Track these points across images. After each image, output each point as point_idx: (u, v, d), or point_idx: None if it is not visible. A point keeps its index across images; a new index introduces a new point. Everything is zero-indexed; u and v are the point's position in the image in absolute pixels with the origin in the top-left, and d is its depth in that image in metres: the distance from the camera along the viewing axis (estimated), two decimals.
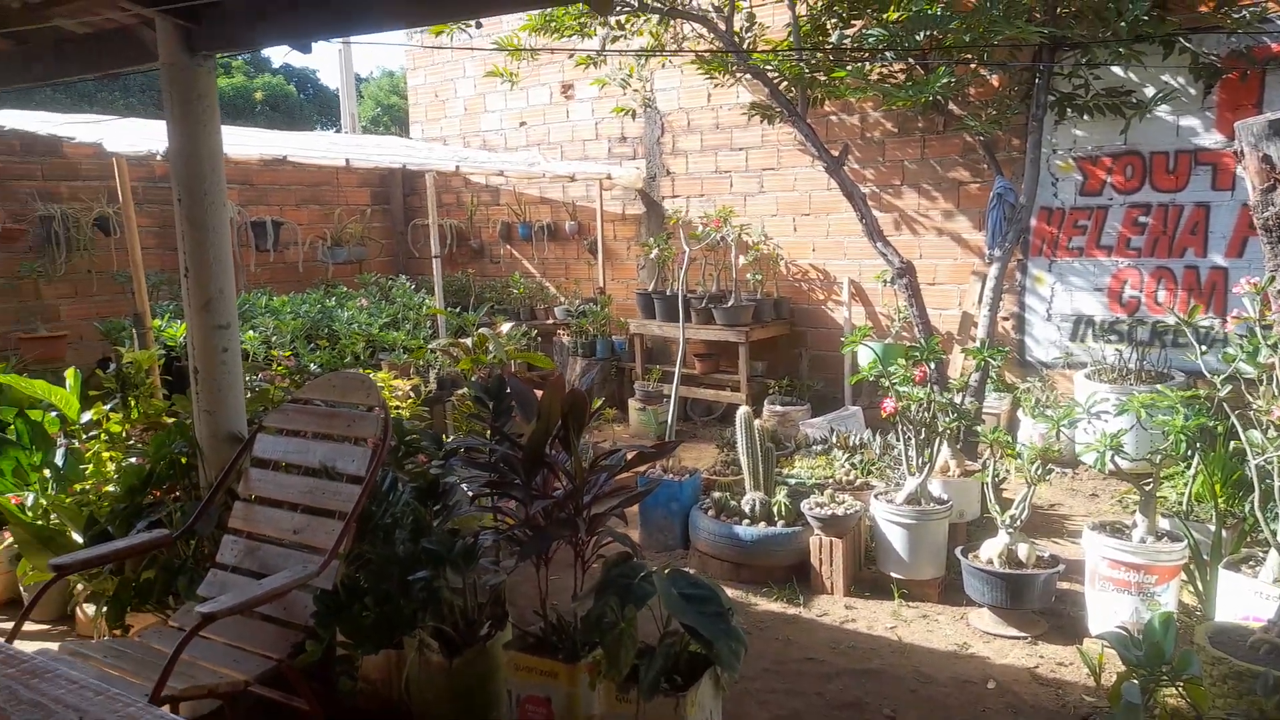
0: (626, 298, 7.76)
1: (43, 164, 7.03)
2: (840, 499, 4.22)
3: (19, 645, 3.47)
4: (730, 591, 4.11)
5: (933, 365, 4.27)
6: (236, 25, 3.07)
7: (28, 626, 3.65)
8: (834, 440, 5.24)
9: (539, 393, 2.74)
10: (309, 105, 21.94)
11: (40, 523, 3.41)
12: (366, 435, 2.68)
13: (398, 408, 4.57)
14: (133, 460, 3.52)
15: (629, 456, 2.79)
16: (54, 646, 2.46)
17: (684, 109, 7.42)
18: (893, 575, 4.04)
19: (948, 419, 4.11)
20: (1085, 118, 5.38)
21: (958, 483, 4.36)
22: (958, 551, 3.85)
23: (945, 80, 4.77)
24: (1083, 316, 5.82)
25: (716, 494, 4.43)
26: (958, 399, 4.24)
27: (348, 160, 5.55)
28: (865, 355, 5.92)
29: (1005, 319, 6.04)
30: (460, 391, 4.78)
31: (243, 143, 5.55)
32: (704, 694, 2.61)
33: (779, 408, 6.30)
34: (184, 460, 3.28)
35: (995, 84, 5.75)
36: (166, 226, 7.70)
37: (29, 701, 1.31)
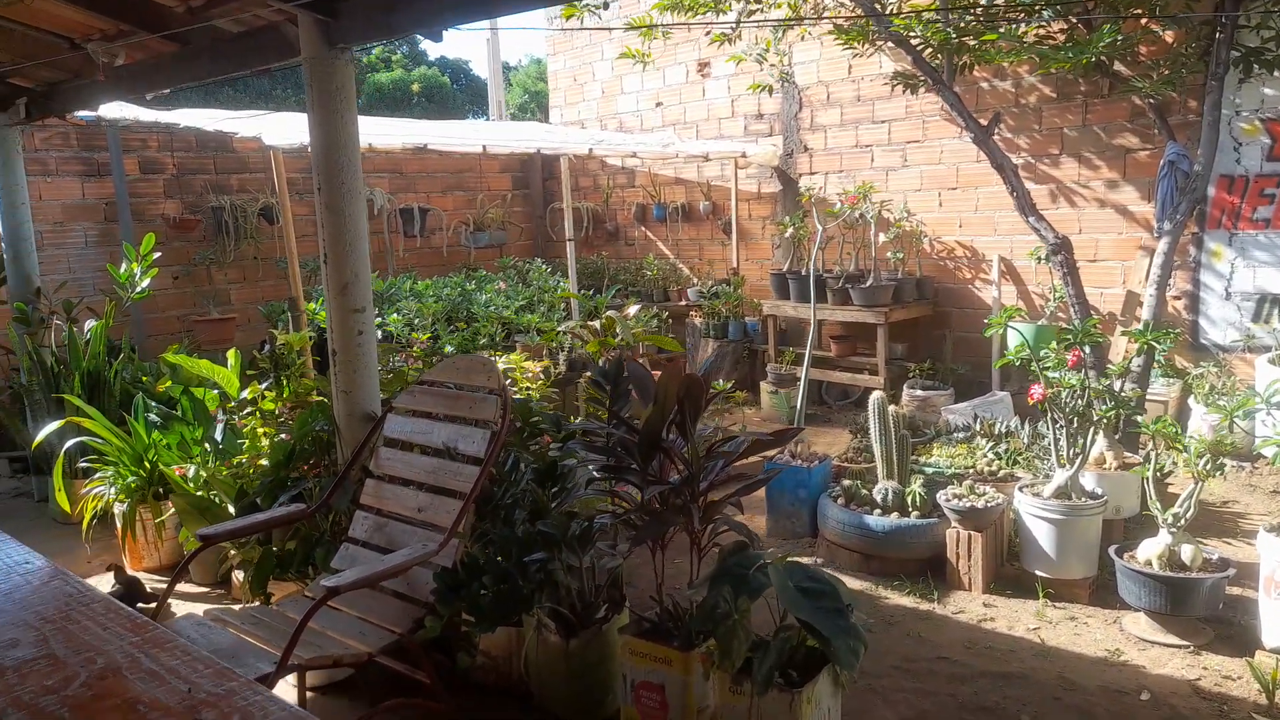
0: (760, 279, 7.61)
1: (215, 158, 7.56)
2: (980, 490, 3.99)
3: (180, 606, 3.77)
4: (858, 584, 3.97)
5: (1088, 349, 3.96)
6: (370, 17, 3.17)
7: (189, 588, 3.96)
8: (977, 427, 4.96)
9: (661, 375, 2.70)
10: (461, 95, 22.75)
11: (200, 493, 3.68)
12: (487, 417, 2.72)
13: (528, 389, 4.65)
14: (282, 437, 3.73)
15: (746, 444, 2.71)
16: (201, 610, 2.64)
17: (823, 82, 7.18)
18: (1037, 573, 3.79)
19: (1104, 407, 3.80)
20: (1275, 74, 4.83)
21: (1114, 476, 4.03)
22: (1111, 551, 3.56)
23: (1111, 38, 4.39)
24: (1268, 295, 5.26)
25: (846, 482, 4.28)
26: (1116, 385, 3.91)
27: (484, 146, 5.68)
28: (1015, 338, 5.58)
29: (1176, 298, 5.54)
30: (588, 374, 4.81)
31: (388, 133, 5.77)
32: (821, 691, 2.52)
33: (919, 392, 6.03)
34: (325, 438, 3.44)
35: (1169, 40, 5.25)
36: None
37: (146, 670, 1.38)
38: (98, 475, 4.15)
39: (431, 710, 2.76)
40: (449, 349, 4.21)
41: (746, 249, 7.95)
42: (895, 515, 4.03)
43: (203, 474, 3.83)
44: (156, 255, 5.62)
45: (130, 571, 4.00)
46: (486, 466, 2.65)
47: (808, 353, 4.63)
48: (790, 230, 6.98)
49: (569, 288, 5.94)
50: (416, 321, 5.87)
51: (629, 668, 2.78)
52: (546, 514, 2.82)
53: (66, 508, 4.19)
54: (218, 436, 4.04)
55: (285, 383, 4.20)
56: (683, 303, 7.97)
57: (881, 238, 6.57)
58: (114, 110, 6.03)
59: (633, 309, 4.84)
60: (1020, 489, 3.91)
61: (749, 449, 2.71)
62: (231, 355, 4.54)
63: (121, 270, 5.56)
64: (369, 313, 3.27)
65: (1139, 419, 3.81)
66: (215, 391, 4.41)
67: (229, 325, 7.22)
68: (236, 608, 2.65)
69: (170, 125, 5.88)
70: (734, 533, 2.68)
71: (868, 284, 6.38)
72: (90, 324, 5.18)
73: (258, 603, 3.05)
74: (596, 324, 4.70)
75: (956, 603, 3.79)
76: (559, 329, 5.12)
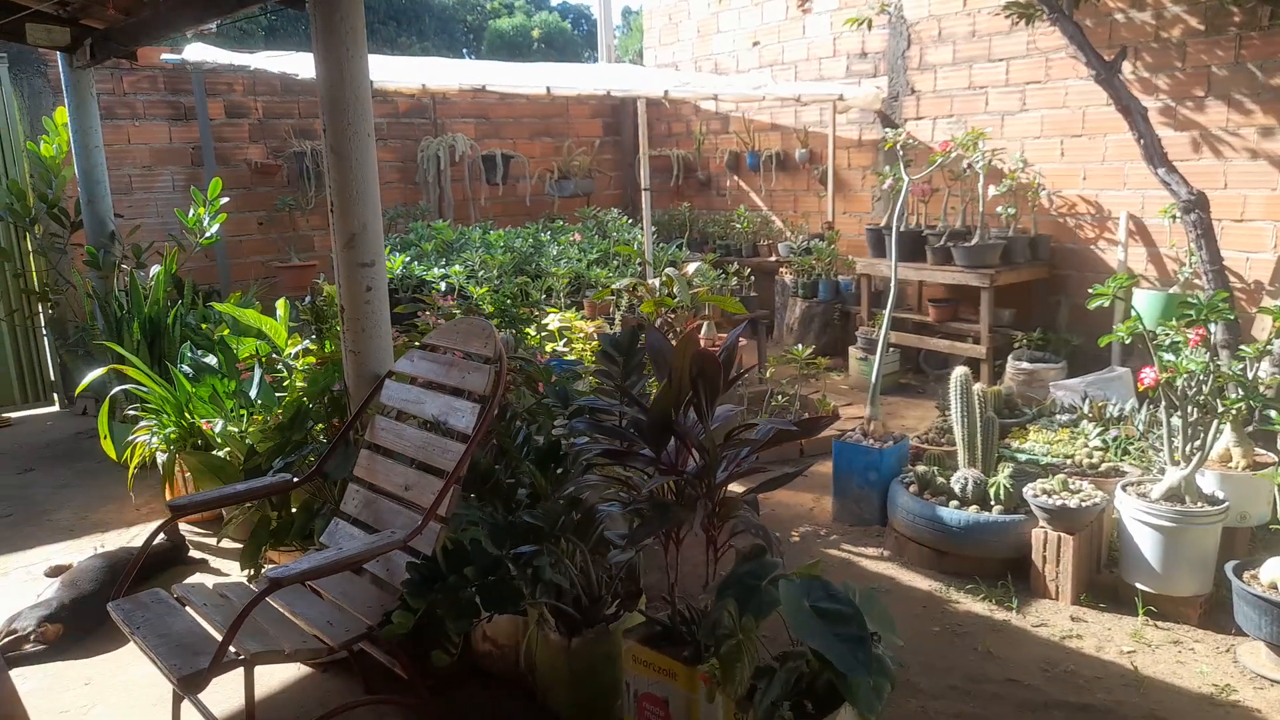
0: (858, 233, 7.04)
1: (299, 102, 7.49)
2: (1076, 486, 3.46)
3: (224, 564, 3.67)
4: (926, 584, 3.53)
5: (1215, 326, 3.33)
6: None
7: (233, 545, 3.81)
8: (1085, 409, 4.36)
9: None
10: (581, 40, 22.45)
11: (226, 449, 3.54)
12: (477, 389, 2.43)
13: (582, 351, 4.34)
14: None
15: (770, 433, 2.32)
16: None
17: (934, 16, 6.47)
18: (1138, 586, 3.25)
19: (1233, 396, 3.19)
20: None
21: (1241, 478, 3.42)
22: (1229, 568, 3.00)
23: None
24: None
25: (922, 468, 3.81)
26: (1252, 371, 3.28)
27: (548, 88, 5.33)
28: (1141, 308, 4.89)
29: None
30: (596, 343, 4.44)
31: (443, 74, 5.51)
32: None
33: (1026, 364, 5.42)
34: (340, 399, 3.24)
35: None
36: (409, 161, 8.01)
37: None
38: (142, 424, 4.10)
39: (409, 707, 2.53)
40: (487, 307, 3.95)
41: (844, 201, 7.37)
42: (974, 509, 3.55)
43: (231, 429, 3.70)
44: (226, 200, 5.57)
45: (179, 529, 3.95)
46: (472, 445, 2.35)
47: (887, 315, 4.14)
48: (889, 181, 6.37)
49: (643, 240, 5.57)
50: (481, 274, 5.63)
51: (633, 676, 2.47)
52: (545, 499, 2.51)
53: (113, 454, 4.17)
54: (254, 391, 3.91)
55: (325, 336, 4.03)
56: (772, 258, 7.48)
57: (992, 190, 5.90)
58: (198, 54, 5.98)
59: (692, 266, 4.43)
60: (1124, 487, 3.36)
61: (772, 439, 2.32)
62: (281, 306, 4.40)
63: (190, 215, 5.53)
64: (379, 267, 3.01)
65: (1274, 412, 3.19)
66: (265, 343, 4.29)
67: (309, 272, 7.19)
68: (212, 583, 2.47)
69: (255, 69, 5.78)
70: (753, 534, 2.30)
71: (973, 242, 5.76)
72: (155, 270, 5.16)
73: (246, 575, 2.89)
74: (656, 281, 4.33)
75: (1038, 613, 3.30)
76: (614, 286, 4.77)
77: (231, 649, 2.10)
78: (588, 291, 5.92)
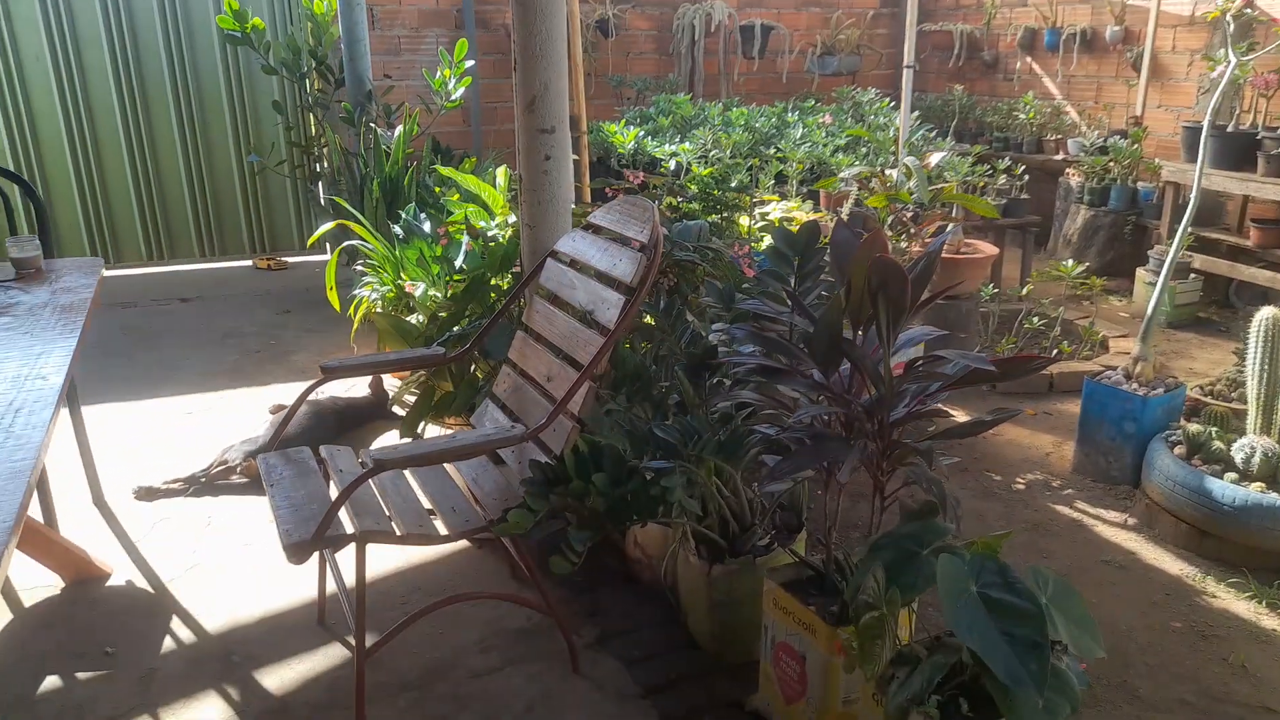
0: (1172, 132, 5.84)
1: None
2: None
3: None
4: (1176, 566, 2.89)
5: None
6: None
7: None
8: None
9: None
10: None
11: (417, 313, 3.55)
12: (624, 279, 2.14)
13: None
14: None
15: (962, 370, 1.85)
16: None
17: None
18: None
19: None
20: None
21: None
22: None
23: None
24: None
25: (1195, 426, 3.08)
26: None
27: None
28: None
29: None
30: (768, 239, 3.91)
31: None
32: None
33: None
34: (522, 273, 3.09)
35: None
36: (664, 30, 7.65)
37: None
38: (365, 279, 4.25)
39: (532, 607, 2.40)
40: (691, 188, 3.59)
41: (1160, 92, 6.12)
42: (1257, 486, 2.82)
43: (432, 293, 3.71)
44: (471, 64, 5.56)
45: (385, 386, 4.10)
46: (609, 341, 2.09)
47: (1181, 230, 3.33)
48: (1221, 68, 5.14)
49: (899, 126, 4.91)
50: (713, 154, 5.26)
51: (771, 620, 2.18)
52: (692, 412, 2.22)
53: (337, 306, 4.38)
54: (459, 258, 3.89)
55: None
56: (1059, 156, 6.44)
57: None
58: None
59: (936, 156, 3.79)
60: None
61: (965, 378, 1.85)
62: (501, 173, 4.34)
63: (436, 77, 5.58)
64: (561, 134, 2.76)
65: None
66: (482, 210, 4.26)
67: None
68: (372, 445, 2.45)
69: None
70: (926, 488, 1.87)
71: None
72: (397, 130, 5.29)
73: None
74: (893, 172, 3.77)
75: None
76: (841, 175, 4.22)
77: (346, 524, 2.04)
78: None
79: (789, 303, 2.13)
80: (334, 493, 2.19)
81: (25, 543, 2.64)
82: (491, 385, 2.61)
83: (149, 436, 3.77)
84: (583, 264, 2.38)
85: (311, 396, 2.46)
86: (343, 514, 2.08)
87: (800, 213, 4.02)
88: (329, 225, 4.39)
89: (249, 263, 6.77)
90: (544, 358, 2.36)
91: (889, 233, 4.00)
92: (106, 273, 6.45)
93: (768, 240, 4.06)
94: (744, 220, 3.92)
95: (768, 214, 4.18)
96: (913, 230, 3.83)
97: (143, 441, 3.72)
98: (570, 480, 2.10)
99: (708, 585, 2.36)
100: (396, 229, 4.02)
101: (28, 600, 2.64)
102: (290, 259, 6.84)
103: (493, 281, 3.17)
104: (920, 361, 1.92)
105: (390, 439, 3.63)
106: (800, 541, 2.48)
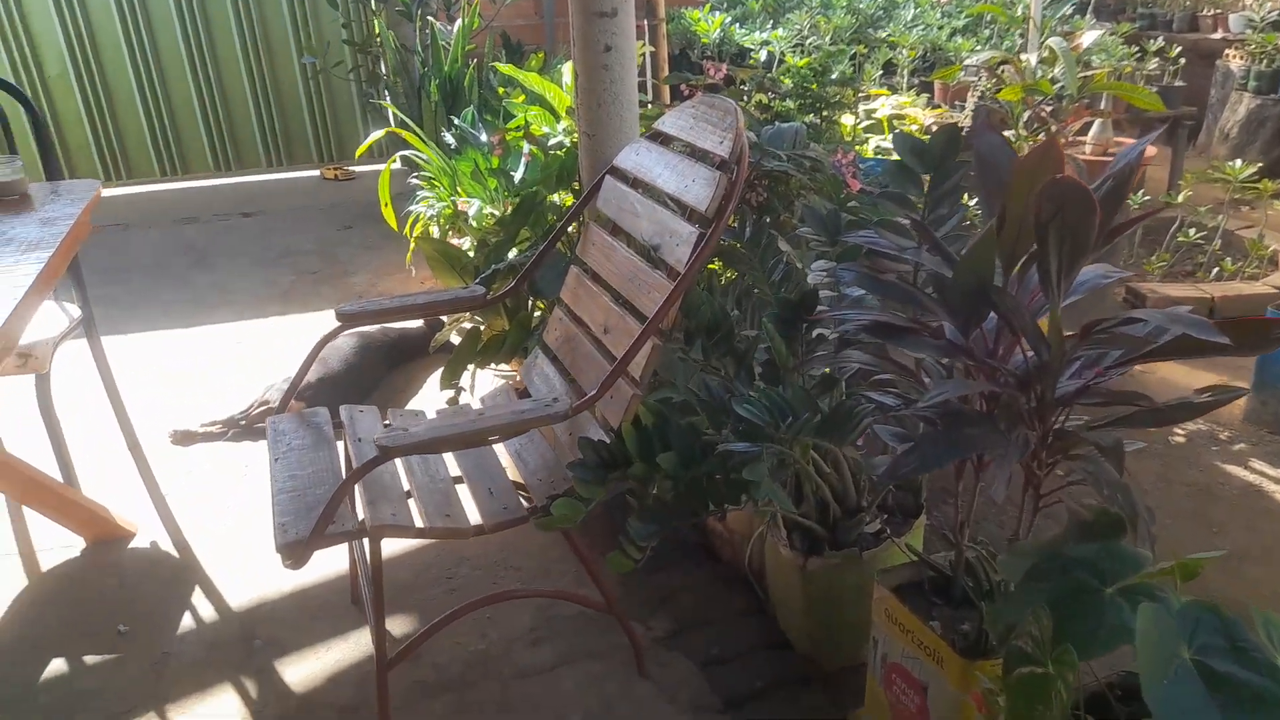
0: None
1: None
2: None
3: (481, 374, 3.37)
4: None
5: None
6: None
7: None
8: None
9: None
10: None
11: (483, 234, 3.13)
12: (698, 204, 1.66)
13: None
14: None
15: (1173, 335, 1.32)
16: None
17: None
18: None
19: None
20: None
21: None
22: None
23: None
24: None
25: None
26: None
27: None
28: None
29: None
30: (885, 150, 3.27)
31: None
32: None
33: None
34: (580, 190, 2.62)
35: None
36: None
37: None
38: (421, 195, 3.84)
39: (589, 605, 2.03)
40: (785, 82, 2.99)
41: None
42: None
43: (489, 212, 3.27)
44: None
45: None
46: (678, 287, 1.62)
47: None
48: None
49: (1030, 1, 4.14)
50: (810, 41, 4.61)
51: (882, 634, 1.75)
52: (784, 373, 1.75)
53: (393, 223, 4.00)
54: (519, 171, 3.43)
55: None
56: (1216, 34, 5.51)
57: None
58: None
59: (1089, 37, 3.10)
60: None
61: (1175, 346, 1.33)
62: (568, 69, 3.81)
63: None
64: (624, 18, 2.24)
65: None
66: (547, 113, 3.77)
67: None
68: (404, 409, 2.07)
69: None
70: (1106, 496, 1.38)
71: None
72: (457, 24, 4.78)
73: (450, 395, 2.49)
74: (1032, 58, 3.11)
75: None
76: (967, 62, 3.55)
77: (357, 510, 1.68)
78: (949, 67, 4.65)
79: (916, 235, 1.62)
80: (346, 468, 1.83)
81: (41, 502, 2.39)
82: (544, 329, 2.19)
83: (196, 369, 3.51)
84: (648, 184, 1.90)
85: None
86: (357, 494, 1.72)
87: (914, 109, 3.40)
88: (378, 134, 3.98)
89: (316, 173, 6.46)
90: (600, 303, 1.92)
91: (1021, 131, 3.36)
92: (170, 186, 6.26)
93: (875, 141, 3.47)
94: (847, 120, 3.33)
95: (874, 111, 3.57)
96: (1053, 128, 3.19)
97: (188, 374, 3.46)
98: (630, 462, 1.68)
99: (802, 581, 1.94)
100: (448, 136, 3.57)
101: (46, 563, 2.41)
102: (357, 168, 6.49)
103: (550, 199, 2.71)
104: (1098, 324, 1.40)
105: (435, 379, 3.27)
106: (918, 527, 2.02)
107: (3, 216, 2.17)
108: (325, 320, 3.88)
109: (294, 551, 1.54)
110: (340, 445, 1.92)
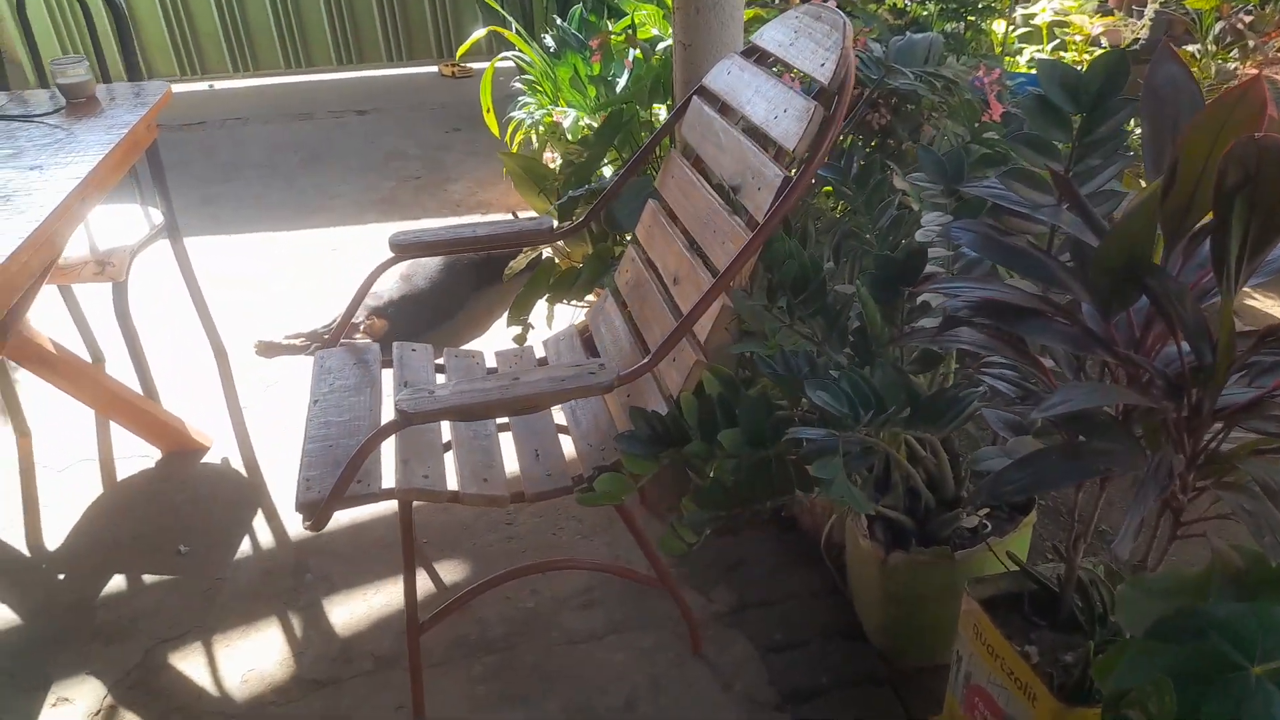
0: None
1: None
2: None
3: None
4: None
5: None
6: None
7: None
8: None
9: None
10: None
11: (568, 154, 2.90)
12: (786, 140, 1.38)
13: (1080, 61, 2.85)
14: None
15: None
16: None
17: None
18: None
19: None
20: None
21: None
22: None
23: None
24: None
25: None
26: None
27: None
28: None
29: None
30: (1191, 48, 2.77)
31: None
32: None
33: None
34: None
35: None
36: None
37: None
38: (522, 100, 3.63)
39: (642, 580, 1.86)
40: None
41: None
42: None
43: (584, 123, 3.03)
44: None
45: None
46: (756, 239, 1.36)
47: None
48: None
49: None
50: None
51: (967, 650, 1.52)
52: (875, 347, 1.48)
53: (494, 129, 3.81)
54: (622, 79, 3.15)
55: None
56: None
57: None
58: None
59: None
60: None
61: None
62: None
63: None
64: None
65: None
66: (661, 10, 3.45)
67: None
68: (457, 351, 1.91)
69: None
70: (1266, 545, 1.09)
71: None
72: None
73: (517, 332, 2.31)
74: None
75: None
76: None
77: (388, 469, 1.55)
78: None
79: (1055, 190, 1.31)
80: (387, 416, 1.69)
81: (119, 413, 2.39)
82: (618, 269, 1.97)
83: (288, 275, 3.48)
84: (735, 110, 1.62)
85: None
86: (389, 449, 1.58)
87: (1080, 16, 2.92)
88: (480, 32, 3.75)
89: (435, 69, 6.32)
90: (674, 248, 1.68)
91: (1210, 46, 2.84)
92: (293, 79, 6.25)
93: (1029, 52, 3.01)
94: (998, 27, 2.89)
95: (1033, 17, 3.09)
96: (1251, 44, 2.67)
97: (280, 281, 3.43)
98: (687, 438, 1.47)
99: (882, 575, 1.71)
100: (548, 38, 3.32)
101: (122, 471, 2.42)
102: (476, 64, 6.30)
103: (643, 117, 2.45)
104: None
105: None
106: (1025, 526, 1.74)
107: (71, 118, 2.09)
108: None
109: (313, 511, 1.42)
110: (389, 382, 1.79)
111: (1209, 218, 1.11)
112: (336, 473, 1.47)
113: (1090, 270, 1.21)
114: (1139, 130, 2.37)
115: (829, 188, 2.27)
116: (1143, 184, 1.27)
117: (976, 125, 2.04)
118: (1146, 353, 1.25)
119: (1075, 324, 1.23)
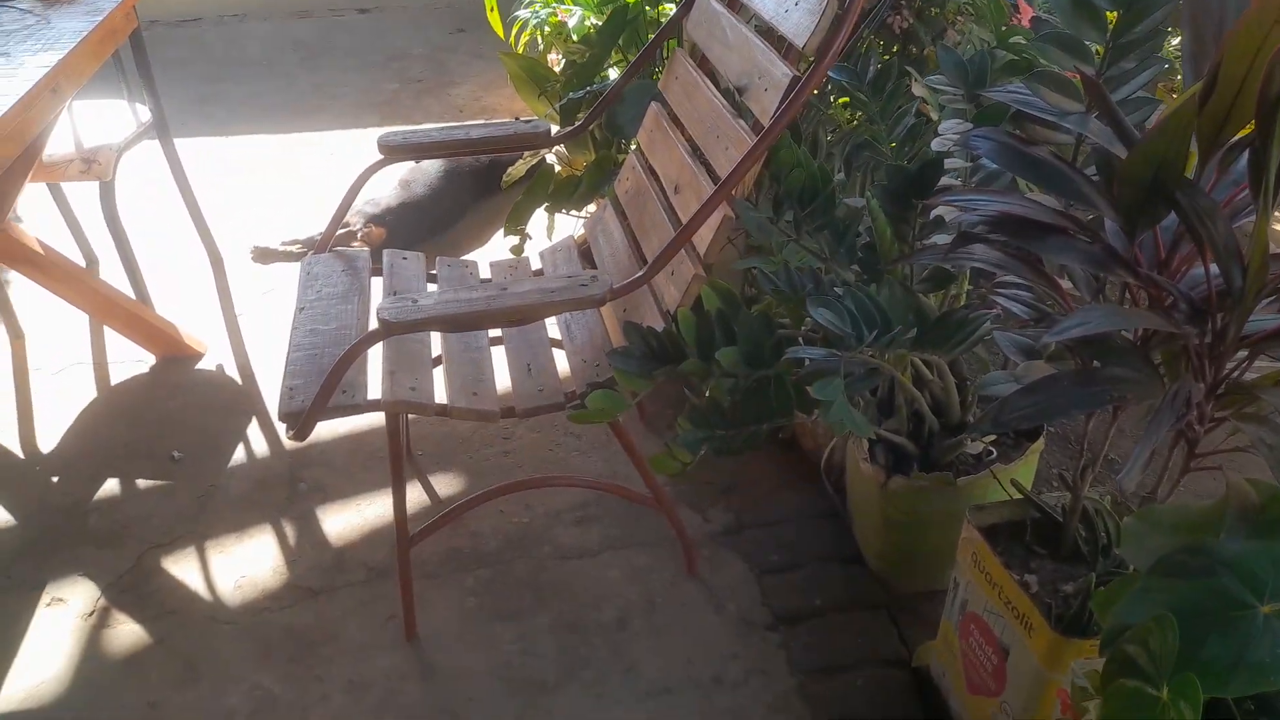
0: None
1: None
2: None
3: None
4: None
5: None
6: None
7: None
8: None
9: None
10: None
11: (569, 54, 2.77)
12: (796, 39, 1.28)
13: None
14: None
15: None
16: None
17: None
18: None
19: None
20: None
21: None
22: None
23: None
24: None
25: None
26: None
27: None
28: None
29: None
30: None
31: None
32: None
33: None
34: None
35: None
36: None
37: None
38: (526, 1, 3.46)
39: (635, 498, 1.83)
40: None
41: None
42: None
43: (590, 23, 2.88)
44: None
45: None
46: (761, 144, 1.28)
47: None
48: None
49: None
50: None
51: (964, 578, 1.49)
52: (884, 264, 1.40)
53: (499, 30, 3.64)
54: None
55: None
56: None
57: None
58: None
59: None
60: None
61: None
62: None
63: None
64: None
65: None
66: None
67: None
68: (448, 260, 1.85)
69: None
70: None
71: None
72: None
73: (514, 243, 2.24)
74: None
75: None
76: None
77: (375, 380, 1.50)
78: None
79: (1083, 96, 1.21)
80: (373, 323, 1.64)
81: (112, 317, 2.35)
82: (618, 177, 1.88)
83: (285, 179, 3.38)
84: (745, 4, 1.51)
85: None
86: (375, 359, 1.53)
87: None
88: None
89: None
90: (675, 153, 1.59)
91: None
92: None
93: None
94: None
95: None
96: None
97: (278, 185, 3.34)
98: (683, 355, 1.41)
99: (882, 499, 1.67)
100: None
101: (115, 376, 2.39)
102: None
103: (650, 15, 2.31)
104: None
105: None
106: (1032, 453, 1.70)
107: (46, 3, 1.98)
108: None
109: (296, 421, 1.38)
110: (377, 291, 1.74)
111: (1249, 129, 1.03)
112: (319, 383, 1.43)
113: (1116, 183, 1.13)
114: (1176, 40, 2.23)
115: (845, 98, 2.16)
116: (1175, 97, 1.17)
117: (1004, 28, 1.92)
118: (1171, 275, 1.18)
119: (1097, 242, 1.16)
